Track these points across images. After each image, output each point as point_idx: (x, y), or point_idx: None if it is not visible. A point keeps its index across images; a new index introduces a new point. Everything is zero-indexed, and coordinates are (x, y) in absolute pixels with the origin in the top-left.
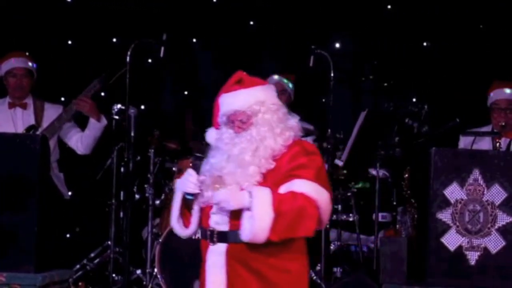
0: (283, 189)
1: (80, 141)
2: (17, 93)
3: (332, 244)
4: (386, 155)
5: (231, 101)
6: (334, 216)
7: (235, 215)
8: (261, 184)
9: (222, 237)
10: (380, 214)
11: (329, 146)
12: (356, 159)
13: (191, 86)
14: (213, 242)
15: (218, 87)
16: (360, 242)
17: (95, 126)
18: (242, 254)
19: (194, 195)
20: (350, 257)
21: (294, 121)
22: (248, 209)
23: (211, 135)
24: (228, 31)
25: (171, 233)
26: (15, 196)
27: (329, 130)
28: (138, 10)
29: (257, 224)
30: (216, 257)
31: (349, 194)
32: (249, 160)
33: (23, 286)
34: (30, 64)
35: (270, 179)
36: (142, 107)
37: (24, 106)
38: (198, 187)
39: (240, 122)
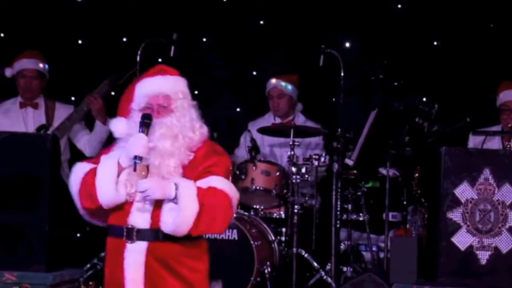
0: (200, 184)
1: (87, 143)
2: (27, 94)
3: (342, 244)
4: (396, 154)
5: (154, 85)
6: (344, 216)
7: (157, 212)
8: (182, 176)
9: (142, 235)
10: (390, 214)
11: (339, 146)
12: (366, 158)
13: (201, 85)
14: (132, 240)
15: (228, 85)
16: (370, 242)
17: (101, 129)
18: (162, 253)
19: (141, 161)
20: (360, 256)
21: (202, 124)
22: (171, 200)
23: (119, 124)
24: (238, 30)
25: None
26: (26, 195)
27: (339, 130)
28: (149, 9)
29: (182, 216)
30: (135, 256)
31: (359, 193)
32: (169, 149)
33: (33, 285)
34: (41, 65)
35: (188, 173)
36: None
37: (35, 106)
38: (146, 152)
39: (159, 106)
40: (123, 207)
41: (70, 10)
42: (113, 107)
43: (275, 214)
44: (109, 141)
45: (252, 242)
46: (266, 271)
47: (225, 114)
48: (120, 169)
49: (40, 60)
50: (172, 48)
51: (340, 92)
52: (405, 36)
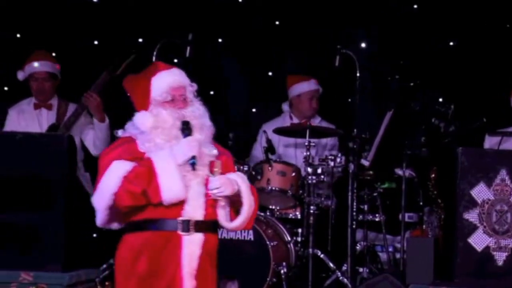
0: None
1: (92, 143)
2: (40, 97)
3: (358, 244)
4: (412, 155)
5: (175, 76)
6: (361, 216)
7: (211, 203)
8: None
9: (199, 226)
10: (406, 214)
11: (355, 146)
12: (382, 159)
13: (216, 86)
14: (188, 232)
15: (243, 86)
16: (386, 243)
17: (98, 127)
18: (211, 245)
19: (197, 161)
20: (376, 257)
21: None
22: (233, 196)
23: (145, 118)
24: (253, 31)
25: None
26: (42, 196)
27: (355, 130)
28: (164, 10)
29: (249, 211)
30: (192, 248)
31: (375, 194)
32: (199, 138)
33: (50, 285)
34: (52, 67)
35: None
36: None
37: (49, 107)
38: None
39: (182, 97)
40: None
41: (86, 11)
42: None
43: (291, 215)
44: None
45: (268, 242)
46: (282, 271)
47: (240, 115)
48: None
49: (51, 61)
50: (188, 48)
51: (356, 92)
52: (421, 36)
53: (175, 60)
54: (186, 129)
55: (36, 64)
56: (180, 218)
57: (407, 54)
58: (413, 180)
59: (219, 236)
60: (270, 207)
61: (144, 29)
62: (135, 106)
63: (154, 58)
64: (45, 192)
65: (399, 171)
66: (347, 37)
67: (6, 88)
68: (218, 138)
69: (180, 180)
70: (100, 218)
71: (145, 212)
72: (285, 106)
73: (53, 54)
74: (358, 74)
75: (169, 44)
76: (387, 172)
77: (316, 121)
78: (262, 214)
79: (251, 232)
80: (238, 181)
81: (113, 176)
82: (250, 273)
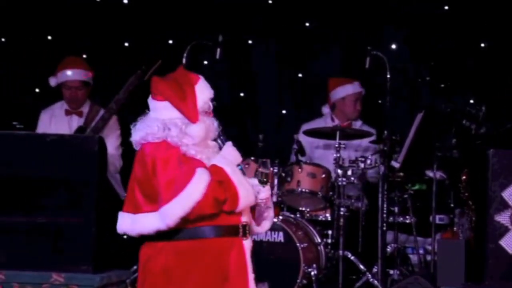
0: None
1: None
2: (72, 105)
3: (388, 246)
4: (443, 156)
5: (209, 86)
6: (391, 218)
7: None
8: None
9: (249, 231)
10: (437, 216)
11: (385, 148)
12: (413, 160)
13: (246, 87)
14: (246, 237)
15: (273, 88)
16: (417, 244)
17: None
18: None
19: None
20: (407, 259)
21: None
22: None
23: (200, 129)
24: (283, 32)
25: None
26: (73, 197)
27: (386, 132)
28: (194, 11)
29: (272, 219)
30: (248, 252)
31: (405, 196)
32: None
33: (81, 286)
34: (85, 75)
35: None
36: None
37: (80, 114)
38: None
39: (211, 108)
40: None
41: (116, 12)
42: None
43: (321, 217)
44: None
45: (298, 244)
46: (312, 273)
47: (270, 116)
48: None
49: (84, 69)
50: (218, 50)
51: (387, 94)
52: (452, 37)
53: (205, 62)
54: (222, 140)
55: (69, 72)
56: (241, 224)
57: (438, 55)
58: (444, 182)
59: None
60: (300, 208)
61: (174, 30)
62: (187, 116)
63: (184, 60)
64: (76, 194)
65: (430, 173)
66: (378, 39)
67: (37, 90)
68: (248, 140)
69: (251, 187)
70: (173, 222)
71: (212, 219)
72: (325, 109)
73: (84, 56)
74: (388, 76)
75: (199, 45)
76: (418, 174)
77: (358, 125)
78: (292, 215)
79: (281, 234)
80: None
81: (200, 185)
82: (280, 275)
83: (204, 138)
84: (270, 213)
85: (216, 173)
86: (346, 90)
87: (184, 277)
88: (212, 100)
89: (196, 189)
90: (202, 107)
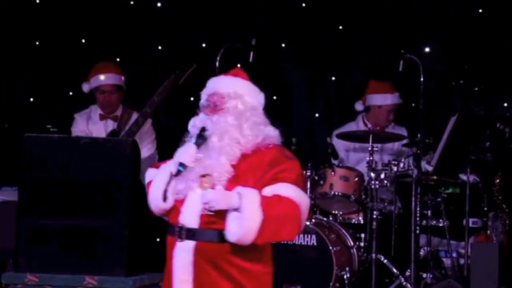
0: (267, 191)
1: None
2: (106, 109)
3: (421, 250)
4: (476, 160)
5: (214, 82)
6: (424, 222)
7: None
8: (233, 179)
9: (191, 234)
10: (470, 220)
11: (418, 151)
12: (446, 164)
13: (279, 91)
14: (181, 239)
15: (306, 91)
16: (450, 248)
17: None
18: (210, 254)
19: (185, 169)
20: (440, 263)
21: (272, 129)
22: (235, 210)
23: (192, 121)
24: (316, 37)
25: None
26: (106, 200)
27: (419, 135)
28: (228, 15)
29: (246, 226)
30: (184, 254)
31: (439, 199)
32: (216, 145)
33: None
34: (118, 79)
35: (244, 177)
36: None
37: (114, 119)
38: (192, 161)
39: (213, 104)
40: (177, 207)
41: (149, 16)
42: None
43: (353, 220)
44: None
45: (330, 247)
46: (345, 276)
47: (303, 120)
48: (172, 177)
49: (117, 74)
50: (251, 53)
51: (420, 97)
52: (486, 40)
53: (238, 65)
54: (198, 136)
55: (102, 77)
56: (178, 225)
57: (472, 58)
58: (478, 185)
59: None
60: (333, 212)
61: (207, 34)
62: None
63: (217, 63)
64: (109, 197)
65: (463, 176)
66: (411, 42)
67: (71, 93)
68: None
69: (159, 190)
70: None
71: (168, 216)
72: (359, 106)
73: (117, 60)
74: (422, 79)
75: (232, 49)
76: (451, 177)
77: (390, 127)
78: (325, 219)
79: (314, 237)
80: (244, 194)
81: (146, 182)
82: (312, 278)
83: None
84: (240, 222)
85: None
86: (385, 100)
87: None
88: (212, 96)
89: (146, 186)
90: (201, 103)
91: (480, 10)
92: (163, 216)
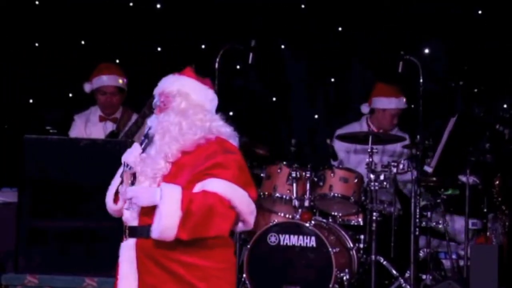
0: (197, 187)
1: None
2: (107, 110)
3: (421, 251)
4: (476, 161)
5: (162, 82)
6: (424, 223)
7: (145, 210)
8: (170, 176)
9: (132, 232)
10: (470, 221)
11: (418, 153)
12: (446, 165)
13: (278, 92)
14: (125, 237)
15: (306, 92)
16: (450, 249)
17: None
18: (151, 250)
19: (130, 169)
20: (439, 264)
21: (222, 125)
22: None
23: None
24: (316, 38)
25: (260, 239)
26: (104, 202)
27: (418, 136)
28: (227, 16)
29: (164, 222)
30: (127, 252)
31: (438, 201)
32: (157, 144)
33: None
34: (120, 81)
35: (182, 173)
36: (231, 113)
37: (114, 121)
38: (137, 162)
39: (162, 103)
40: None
41: (149, 17)
42: None
43: (353, 221)
44: None
45: (330, 249)
46: (344, 278)
47: (303, 121)
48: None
49: (119, 75)
50: (251, 54)
51: (419, 98)
52: (485, 41)
53: (238, 67)
54: (145, 135)
55: (104, 78)
56: (124, 224)
57: (471, 59)
58: (477, 186)
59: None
60: (333, 213)
61: (207, 35)
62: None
63: (216, 65)
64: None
65: (463, 178)
66: (411, 43)
67: (70, 95)
68: (280, 144)
69: (111, 191)
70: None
71: None
72: (365, 108)
73: (117, 61)
74: (421, 80)
75: (232, 50)
76: (450, 179)
77: (393, 131)
78: (324, 220)
79: (313, 238)
80: (164, 191)
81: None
82: (312, 279)
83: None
84: (155, 218)
85: None
86: (389, 104)
87: None
88: (161, 95)
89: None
90: (154, 103)
91: (480, 12)
92: (120, 217)
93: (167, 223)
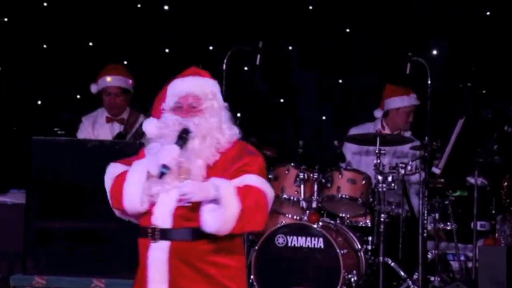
0: (235, 182)
1: None
2: (112, 111)
3: (429, 253)
4: (484, 163)
5: (184, 84)
6: (432, 225)
7: (179, 212)
8: (206, 177)
9: (165, 234)
10: (478, 223)
11: (426, 154)
12: (454, 167)
13: (286, 93)
14: (155, 240)
15: (313, 93)
16: (458, 251)
17: None
18: (184, 253)
19: (168, 171)
20: (448, 266)
21: (234, 125)
22: (211, 201)
23: (150, 125)
24: (324, 38)
25: (267, 240)
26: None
27: (426, 138)
28: (235, 17)
29: (225, 216)
30: (158, 255)
31: (446, 202)
32: (197, 148)
33: None
34: (125, 82)
35: (214, 174)
36: (238, 114)
37: (121, 122)
38: (174, 163)
39: (189, 106)
40: (148, 208)
41: (157, 18)
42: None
43: (361, 223)
44: None
45: (338, 250)
46: (352, 279)
47: (310, 122)
48: (149, 177)
49: (124, 76)
50: (258, 56)
51: (427, 100)
52: (494, 42)
53: (245, 68)
54: (180, 137)
55: (108, 78)
56: (150, 226)
57: (480, 61)
58: (485, 188)
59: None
60: (340, 215)
61: (214, 36)
62: (151, 112)
63: (224, 66)
64: None
65: (471, 179)
66: (419, 44)
67: (78, 96)
68: (288, 146)
69: (138, 191)
70: (115, 211)
71: (140, 219)
72: (378, 113)
73: (124, 62)
74: (429, 82)
75: (239, 51)
76: (458, 180)
77: (407, 135)
78: (332, 222)
79: (321, 240)
80: (221, 185)
81: (107, 177)
82: (320, 281)
83: (160, 135)
84: (220, 211)
85: (123, 172)
86: (402, 102)
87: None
88: (186, 98)
89: (106, 180)
90: (167, 105)
91: (488, 13)
92: (128, 218)
93: (227, 217)
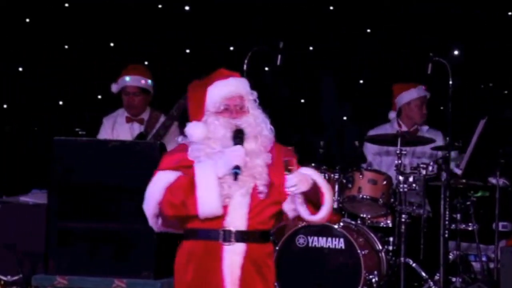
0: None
1: None
2: (130, 111)
3: (451, 254)
4: (506, 163)
5: (230, 86)
6: (453, 225)
7: (252, 214)
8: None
9: (240, 236)
10: (500, 223)
11: (447, 155)
12: (476, 167)
13: (307, 94)
14: (229, 242)
15: (334, 94)
16: (479, 252)
17: None
18: (256, 255)
19: (241, 171)
20: (469, 267)
21: None
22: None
23: (197, 128)
24: (345, 39)
25: (288, 241)
26: (134, 203)
27: (447, 138)
28: (255, 18)
29: (331, 201)
30: (234, 257)
31: (468, 203)
32: (255, 148)
33: None
34: (143, 81)
35: (272, 172)
36: None
37: (141, 122)
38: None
39: (236, 107)
40: None
41: (177, 20)
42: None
43: (382, 223)
44: None
45: (359, 251)
46: (373, 280)
47: (331, 123)
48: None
49: (143, 76)
50: (279, 56)
51: (449, 100)
52: None
53: (266, 68)
54: (237, 138)
55: (127, 78)
56: (222, 229)
57: (501, 61)
58: (507, 188)
59: (309, 245)
60: (361, 215)
61: (235, 37)
62: (190, 114)
63: (245, 66)
64: (137, 200)
65: (492, 180)
66: (440, 45)
67: (99, 97)
68: (309, 146)
69: (216, 195)
70: (151, 223)
71: (194, 221)
72: (392, 115)
73: (145, 63)
74: (450, 82)
75: (260, 52)
76: (480, 181)
77: (424, 129)
78: (353, 222)
79: (341, 240)
80: (312, 175)
81: (157, 187)
82: (341, 281)
83: (207, 138)
84: (326, 198)
85: (186, 176)
86: (411, 95)
87: (181, 276)
88: (234, 99)
89: (153, 191)
90: (212, 107)
91: (510, 13)
92: (170, 229)
93: (331, 202)
